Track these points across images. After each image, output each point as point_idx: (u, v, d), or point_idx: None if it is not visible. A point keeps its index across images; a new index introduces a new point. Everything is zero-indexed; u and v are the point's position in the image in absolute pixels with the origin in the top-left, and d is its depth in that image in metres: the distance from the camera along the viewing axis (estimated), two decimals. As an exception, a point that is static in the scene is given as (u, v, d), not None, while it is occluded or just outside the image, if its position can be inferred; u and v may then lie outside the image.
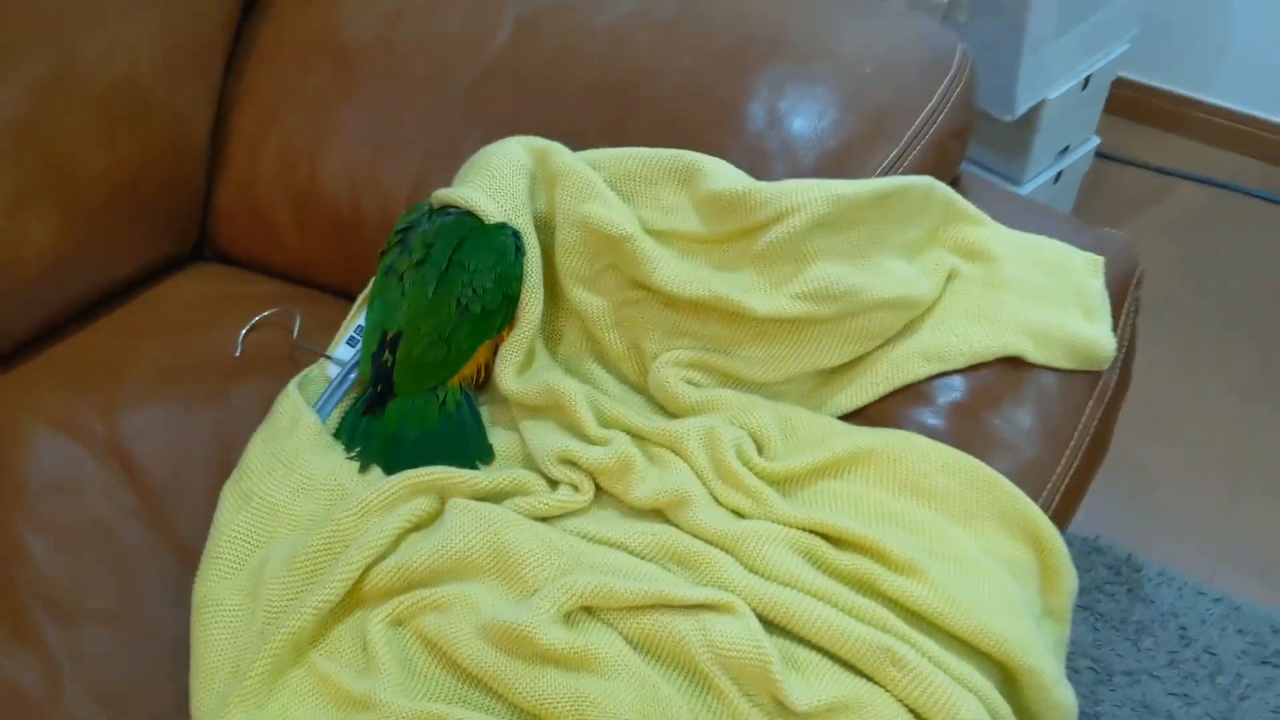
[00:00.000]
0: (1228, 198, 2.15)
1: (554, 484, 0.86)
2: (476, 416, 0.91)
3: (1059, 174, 1.84)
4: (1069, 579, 0.83)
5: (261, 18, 1.11)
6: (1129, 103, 2.26)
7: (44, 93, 0.91)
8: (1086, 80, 1.73)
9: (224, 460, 0.89)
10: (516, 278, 0.88)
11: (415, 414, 0.89)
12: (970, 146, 1.36)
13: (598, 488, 0.86)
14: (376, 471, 0.87)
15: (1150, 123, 2.28)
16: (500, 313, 0.88)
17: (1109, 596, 1.42)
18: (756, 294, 0.87)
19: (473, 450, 0.88)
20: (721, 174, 0.89)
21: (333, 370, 0.94)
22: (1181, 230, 2.07)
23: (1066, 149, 1.84)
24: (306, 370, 0.94)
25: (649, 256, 0.88)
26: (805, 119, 0.93)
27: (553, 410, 0.88)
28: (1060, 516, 0.88)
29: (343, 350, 0.95)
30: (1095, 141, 1.89)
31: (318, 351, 0.96)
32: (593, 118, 0.98)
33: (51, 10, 0.90)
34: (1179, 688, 1.33)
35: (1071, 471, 0.89)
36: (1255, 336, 1.87)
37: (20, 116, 0.89)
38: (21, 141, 0.90)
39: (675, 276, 0.88)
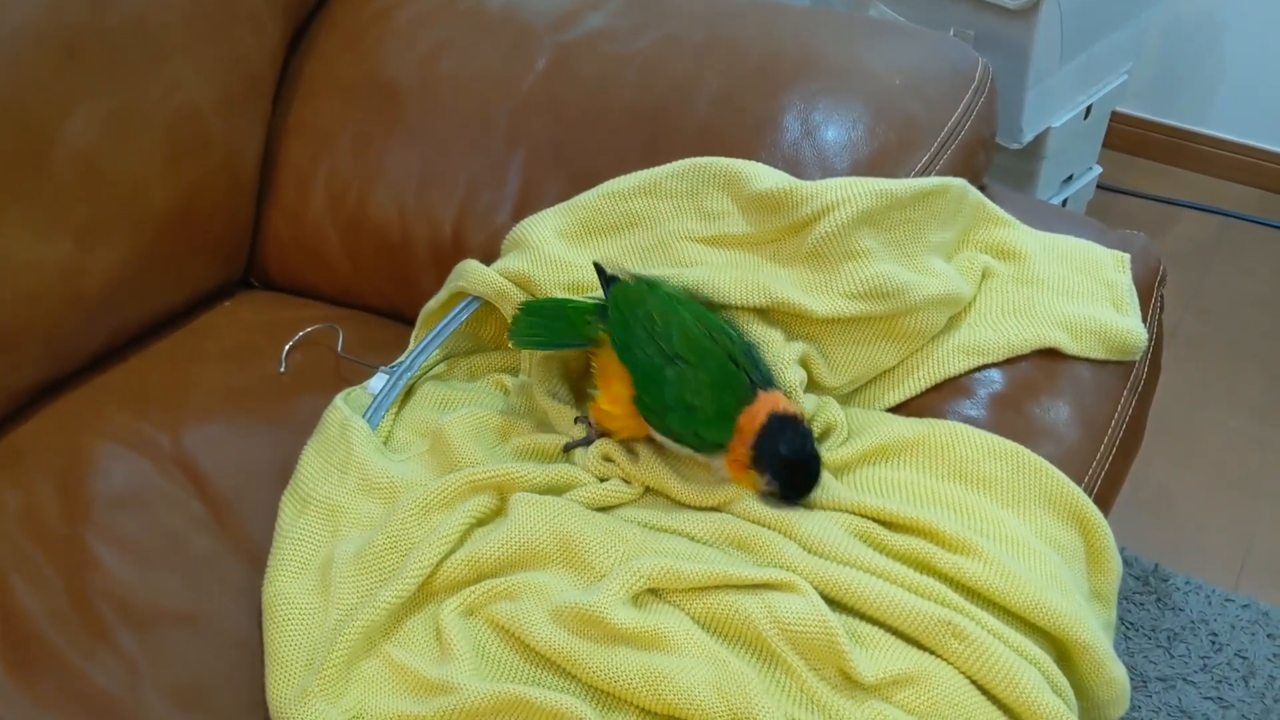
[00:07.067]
0: (1228, 226, 2.20)
1: (601, 480, 0.87)
2: None
3: (1064, 202, 1.89)
4: (1114, 562, 0.85)
5: (305, 56, 1.15)
6: (1128, 137, 2.32)
7: (113, 126, 0.94)
8: (1088, 110, 1.78)
9: (287, 473, 0.90)
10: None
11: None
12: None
13: (648, 482, 0.87)
14: (431, 471, 0.89)
15: (1150, 156, 2.34)
16: None
17: (1139, 606, 1.44)
18: (814, 293, 0.88)
19: None
20: (763, 174, 0.92)
21: (376, 385, 0.97)
22: (1185, 259, 2.11)
23: (1070, 178, 1.89)
24: (349, 390, 0.97)
25: (700, 281, 0.90)
26: (838, 129, 0.97)
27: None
28: (1101, 503, 0.90)
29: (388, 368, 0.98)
30: (1098, 170, 1.94)
31: (369, 365, 0.99)
32: (630, 139, 1.02)
33: (119, 48, 0.94)
34: (1214, 692, 1.34)
35: (1110, 458, 0.92)
36: (1262, 358, 1.91)
37: (90, 149, 0.93)
38: (91, 173, 0.93)
39: (733, 290, 0.89)
